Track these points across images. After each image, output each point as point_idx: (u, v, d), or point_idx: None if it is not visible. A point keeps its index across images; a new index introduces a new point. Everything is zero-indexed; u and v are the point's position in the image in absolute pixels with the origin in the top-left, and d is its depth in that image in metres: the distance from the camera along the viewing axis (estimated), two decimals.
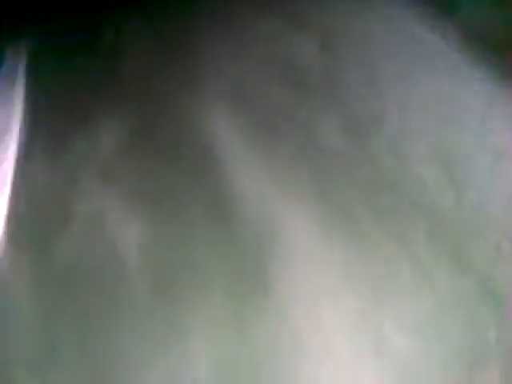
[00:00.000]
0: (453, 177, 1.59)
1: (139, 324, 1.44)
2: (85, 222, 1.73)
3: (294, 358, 1.31)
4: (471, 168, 1.60)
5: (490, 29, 2.01)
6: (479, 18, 2.10)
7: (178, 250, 1.63)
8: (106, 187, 1.85)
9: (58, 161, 1.95)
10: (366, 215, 1.55)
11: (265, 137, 1.94)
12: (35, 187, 1.84)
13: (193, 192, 1.81)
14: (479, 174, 1.58)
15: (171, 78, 2.32)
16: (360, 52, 2.17)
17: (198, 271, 1.57)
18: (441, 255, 1.42)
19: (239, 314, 1.44)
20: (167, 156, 1.96)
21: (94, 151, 1.97)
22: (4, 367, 1.39)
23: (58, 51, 2.60)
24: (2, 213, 1.80)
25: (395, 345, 1.28)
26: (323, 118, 1.94)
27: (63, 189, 1.84)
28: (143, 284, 1.55)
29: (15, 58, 2.61)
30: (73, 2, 2.80)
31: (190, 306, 1.47)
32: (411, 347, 1.27)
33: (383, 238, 1.49)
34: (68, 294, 1.54)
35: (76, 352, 1.42)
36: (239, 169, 1.84)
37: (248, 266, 1.54)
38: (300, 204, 1.66)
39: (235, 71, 2.26)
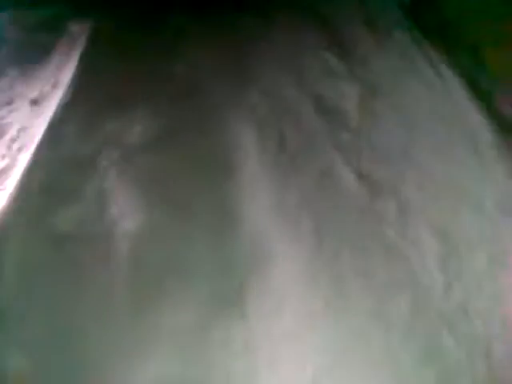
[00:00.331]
0: (447, 265, 1.58)
1: (111, 313, 1.47)
2: (92, 198, 1.78)
3: None
4: (466, 260, 1.58)
5: None
6: None
7: (171, 248, 1.67)
8: (122, 171, 1.90)
9: (87, 135, 2.02)
10: (352, 276, 1.56)
11: (286, 162, 1.96)
12: (58, 155, 1.91)
13: (201, 196, 1.84)
14: (473, 270, 1.56)
15: (216, 85, 2.36)
16: (400, 111, 2.17)
17: (182, 273, 1.60)
18: (413, 340, 1.41)
19: (207, 332, 1.45)
20: (186, 158, 2.00)
21: (122, 136, 2.04)
22: None
23: (120, 33, 2.71)
24: (19, 171, 1.89)
25: None
26: (346, 158, 1.95)
27: (82, 163, 1.90)
28: (128, 273, 1.58)
29: (78, 30, 2.73)
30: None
31: (164, 310, 1.50)
32: None
33: (363, 303, 1.50)
34: (52, 261, 1.59)
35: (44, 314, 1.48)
36: (251, 189, 1.86)
37: (230, 282, 1.57)
38: (294, 241, 1.67)
39: (277, 93, 2.28)
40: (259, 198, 1.84)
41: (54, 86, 2.45)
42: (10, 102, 2.46)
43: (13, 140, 2.19)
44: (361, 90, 2.24)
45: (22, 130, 2.23)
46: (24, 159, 2.00)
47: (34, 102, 2.40)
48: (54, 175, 1.84)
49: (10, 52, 2.73)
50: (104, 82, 2.33)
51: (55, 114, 2.15)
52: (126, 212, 1.77)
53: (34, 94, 2.46)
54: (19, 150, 2.10)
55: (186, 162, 2.00)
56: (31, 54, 2.67)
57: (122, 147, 2.01)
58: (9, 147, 2.14)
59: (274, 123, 2.14)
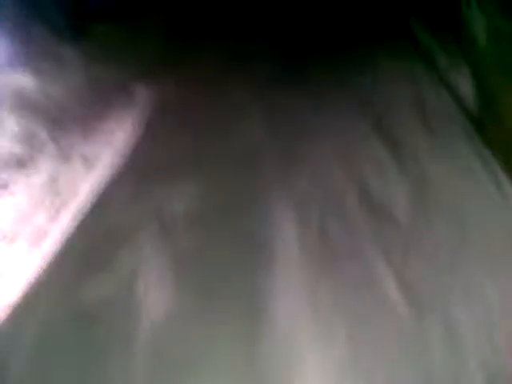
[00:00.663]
0: None
1: None
2: (124, 275, 1.76)
3: None
4: None
5: None
6: None
7: (194, 342, 1.57)
8: (158, 247, 1.89)
9: (132, 203, 2.06)
10: None
11: (325, 256, 1.86)
12: (100, 222, 1.93)
13: (233, 285, 1.78)
14: None
15: (264, 163, 2.38)
16: (453, 217, 2.05)
17: (202, 370, 1.50)
18: None
19: None
20: (225, 240, 1.96)
21: (166, 208, 2.05)
22: None
23: (183, 102, 2.82)
24: (57, 231, 1.91)
25: None
26: (390, 261, 1.81)
27: (122, 234, 1.90)
28: (146, 362, 1.50)
29: (144, 93, 2.85)
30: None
31: None
32: None
33: None
34: (73, 339, 1.54)
35: None
36: (286, 283, 1.77)
37: None
38: (326, 348, 1.54)
39: (322, 179, 2.25)
40: (293, 294, 1.74)
41: (109, 145, 2.52)
42: (62, 154, 2.54)
43: (57, 195, 2.24)
44: (411, 188, 2.15)
45: (68, 185, 2.28)
46: (65, 218, 2.04)
47: (86, 159, 2.47)
48: (91, 245, 1.84)
49: (74, 104, 2.86)
50: (158, 149, 2.40)
51: (105, 176, 2.21)
52: (154, 294, 1.72)
53: (88, 149, 2.54)
54: (61, 207, 2.14)
55: (223, 244, 1.96)
56: (94, 109, 2.79)
57: (164, 220, 2.01)
58: (52, 203, 2.18)
59: (316, 212, 2.08)
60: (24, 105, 2.72)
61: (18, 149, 2.55)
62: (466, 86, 2.86)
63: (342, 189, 2.19)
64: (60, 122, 2.67)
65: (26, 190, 2.32)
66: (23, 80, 2.78)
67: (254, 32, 3.97)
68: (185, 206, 2.09)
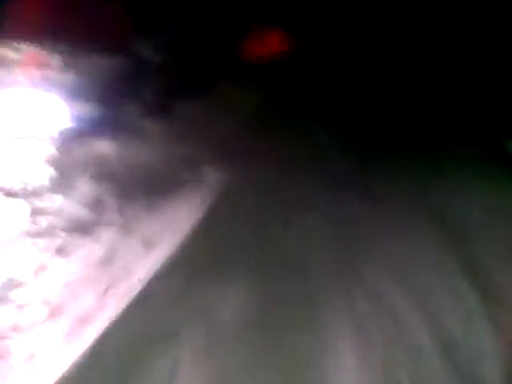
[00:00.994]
0: None
1: None
2: (158, 377, 1.62)
3: None
4: None
5: None
6: None
7: None
8: (200, 357, 1.72)
9: (178, 302, 1.92)
10: None
11: None
12: (142, 321, 1.80)
13: None
14: None
15: (319, 269, 2.18)
16: None
17: None
18: None
19: None
20: (273, 358, 1.77)
21: (211, 312, 1.91)
22: None
23: (249, 195, 2.71)
24: (102, 320, 1.81)
25: None
26: None
27: (163, 339, 1.75)
28: None
29: (212, 179, 2.82)
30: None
31: None
32: None
33: None
34: None
35: None
36: None
37: None
38: None
39: (384, 302, 2.00)
40: None
41: (170, 225, 2.44)
42: (125, 226, 2.51)
43: (110, 273, 2.15)
44: (503, 345, 1.83)
45: (123, 264, 2.20)
46: (111, 304, 1.94)
47: (146, 237, 2.41)
48: (129, 345, 1.71)
49: (145, 177, 2.87)
50: (217, 238, 2.31)
51: (159, 261, 2.12)
52: None
53: (149, 226, 2.49)
54: (111, 288, 2.03)
55: (272, 362, 1.77)
56: (163, 185, 2.77)
57: (210, 325, 1.86)
58: (104, 281, 2.10)
59: (379, 339, 1.84)
60: (99, 171, 2.78)
61: (83, 213, 2.57)
62: None
63: (410, 318, 1.92)
64: (129, 193, 2.67)
65: (81, 259, 2.28)
66: (102, 147, 2.88)
67: (329, 118, 3.87)
68: (233, 312, 1.94)
